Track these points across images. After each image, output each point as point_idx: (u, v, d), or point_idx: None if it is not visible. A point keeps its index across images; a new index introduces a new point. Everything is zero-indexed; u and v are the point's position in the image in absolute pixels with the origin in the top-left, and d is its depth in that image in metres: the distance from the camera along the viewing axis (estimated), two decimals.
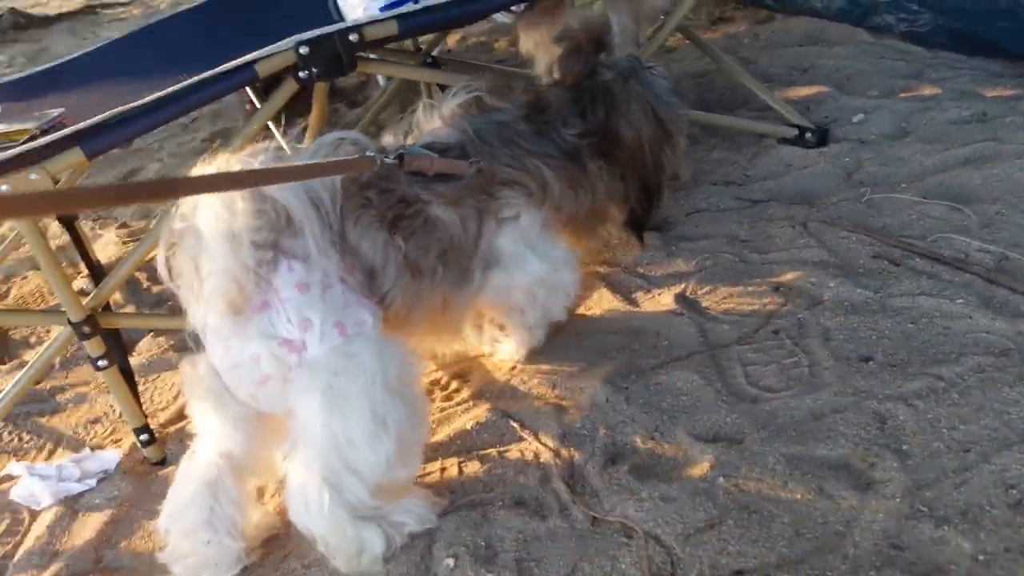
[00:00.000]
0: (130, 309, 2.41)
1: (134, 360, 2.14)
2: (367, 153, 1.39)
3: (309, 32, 1.73)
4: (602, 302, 1.90)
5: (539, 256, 1.65)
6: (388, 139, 1.63)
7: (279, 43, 1.72)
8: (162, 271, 1.32)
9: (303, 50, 1.72)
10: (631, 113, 1.74)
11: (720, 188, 2.30)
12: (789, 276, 1.82)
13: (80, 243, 2.48)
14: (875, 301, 1.68)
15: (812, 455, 1.37)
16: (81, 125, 1.61)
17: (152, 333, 2.26)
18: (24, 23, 7.01)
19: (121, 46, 2.60)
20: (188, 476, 1.40)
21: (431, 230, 1.48)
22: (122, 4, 7.19)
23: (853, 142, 2.38)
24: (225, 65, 1.70)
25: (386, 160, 1.41)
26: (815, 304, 1.72)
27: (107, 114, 1.61)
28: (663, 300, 1.84)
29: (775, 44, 3.35)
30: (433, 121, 1.64)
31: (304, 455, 1.29)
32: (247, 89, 2.75)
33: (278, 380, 1.30)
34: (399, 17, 1.81)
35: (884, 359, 1.54)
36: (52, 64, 2.55)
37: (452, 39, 4.16)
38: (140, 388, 2.00)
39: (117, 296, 2.46)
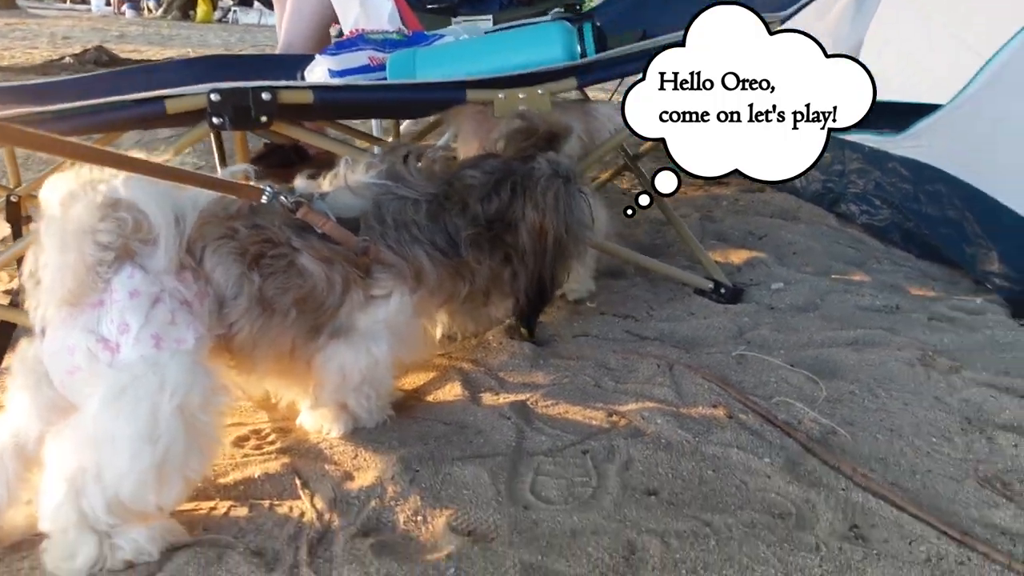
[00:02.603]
0: None
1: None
2: (264, 187, 1.48)
3: (226, 83, 1.86)
4: (449, 393, 1.92)
5: (389, 343, 1.68)
6: (300, 183, 1.69)
7: (194, 86, 1.85)
8: (23, 268, 1.40)
9: (214, 97, 1.84)
10: (544, 202, 1.75)
11: (618, 320, 2.33)
12: (629, 407, 1.82)
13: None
14: (690, 444, 1.67)
15: (549, 567, 1.34)
16: None
17: None
18: (107, 61, 7.54)
19: (116, 77, 2.80)
20: None
21: (293, 275, 1.53)
22: None
23: (762, 306, 2.40)
24: (139, 94, 1.83)
25: (282, 199, 1.50)
26: (635, 435, 1.71)
27: (12, 112, 1.74)
28: (502, 403, 1.85)
29: (747, 211, 3.44)
30: (346, 181, 1.69)
31: (66, 440, 1.31)
32: None
33: (86, 374, 1.34)
34: (316, 88, 1.94)
35: (668, 496, 1.52)
36: (48, 80, 2.76)
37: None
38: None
39: None
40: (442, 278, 1.71)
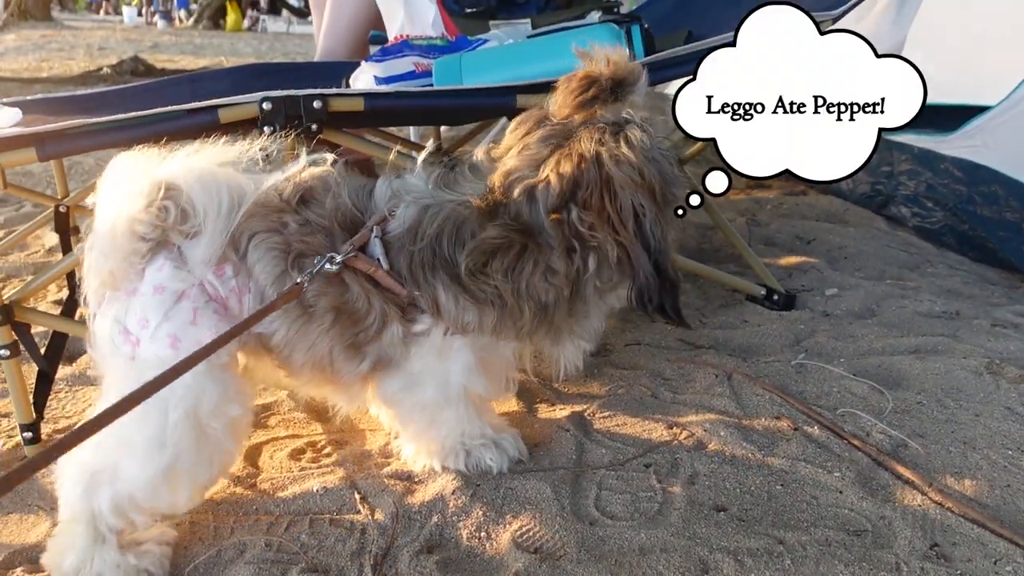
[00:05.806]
0: None
1: (69, 370, 2.20)
2: (300, 279, 1.37)
3: (277, 91, 1.85)
4: (504, 405, 1.89)
5: (436, 382, 1.54)
6: (381, 187, 1.53)
7: (246, 95, 1.83)
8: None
9: (266, 105, 1.82)
10: (627, 150, 1.42)
11: (670, 328, 2.28)
12: (689, 418, 1.78)
13: (67, 252, 2.62)
14: (756, 458, 1.62)
15: None
16: (40, 128, 1.73)
17: None
18: (143, 71, 7.61)
19: (161, 87, 2.80)
20: None
21: (333, 283, 1.43)
22: None
23: (817, 313, 2.35)
24: (193, 104, 1.82)
25: (328, 266, 1.39)
26: (698, 448, 1.67)
27: (66, 124, 1.73)
28: (560, 415, 1.82)
29: (793, 214, 3.38)
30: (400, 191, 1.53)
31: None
32: None
33: (111, 363, 1.37)
34: (367, 95, 1.91)
35: (737, 512, 1.48)
36: (93, 91, 2.76)
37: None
38: (60, 395, 2.06)
39: None
40: (463, 309, 1.45)
